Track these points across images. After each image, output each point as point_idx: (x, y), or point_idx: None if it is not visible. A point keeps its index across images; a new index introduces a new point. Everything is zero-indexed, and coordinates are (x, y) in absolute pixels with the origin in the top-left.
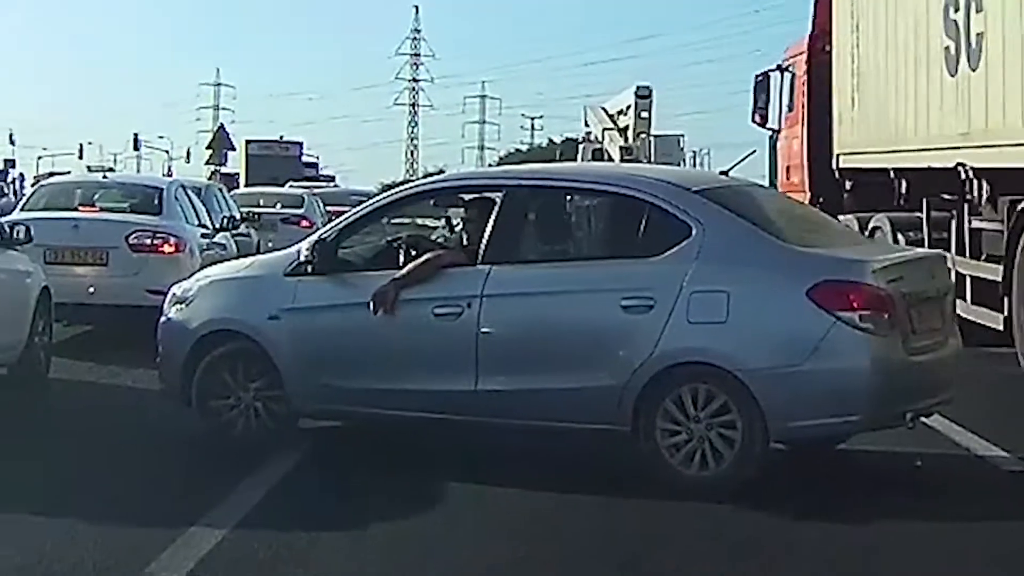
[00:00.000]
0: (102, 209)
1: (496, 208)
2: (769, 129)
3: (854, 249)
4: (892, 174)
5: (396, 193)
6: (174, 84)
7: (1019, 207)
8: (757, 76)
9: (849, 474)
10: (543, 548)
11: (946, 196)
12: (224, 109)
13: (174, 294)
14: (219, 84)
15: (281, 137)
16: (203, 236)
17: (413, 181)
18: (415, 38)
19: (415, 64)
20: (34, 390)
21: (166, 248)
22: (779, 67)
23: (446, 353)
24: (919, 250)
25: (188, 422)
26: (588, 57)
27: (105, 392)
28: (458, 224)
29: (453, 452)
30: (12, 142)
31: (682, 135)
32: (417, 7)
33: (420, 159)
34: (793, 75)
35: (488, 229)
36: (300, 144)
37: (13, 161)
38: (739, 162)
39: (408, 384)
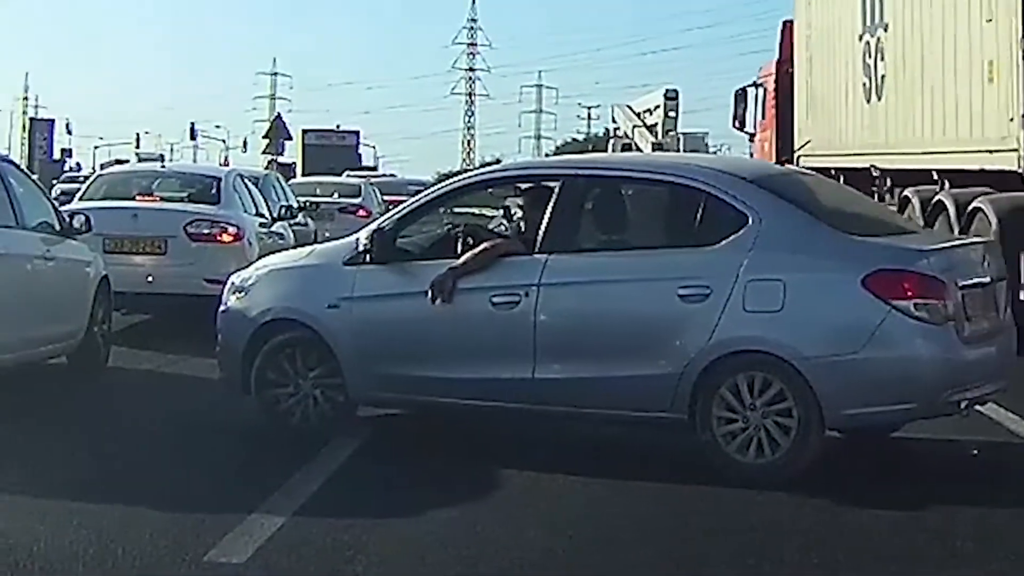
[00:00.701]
0: (160, 198)
1: (553, 197)
2: (747, 133)
3: (908, 237)
4: (833, 171)
5: (454, 182)
6: (231, 74)
7: (902, 194)
8: (737, 90)
9: (903, 462)
10: (598, 538)
11: (866, 189)
12: (281, 99)
13: (233, 283)
14: (276, 73)
15: (338, 126)
16: (261, 225)
17: (470, 170)
18: (472, 27)
19: (472, 53)
20: (93, 379)
21: (224, 237)
22: (754, 83)
23: (504, 341)
24: (972, 238)
25: (247, 410)
26: (645, 47)
27: (164, 381)
28: (515, 213)
29: (509, 440)
30: (69, 132)
31: (706, 132)
32: None
33: (476, 148)
34: (765, 90)
35: (545, 218)
36: (357, 133)
37: (70, 151)
38: (799, 149)
39: (466, 372)
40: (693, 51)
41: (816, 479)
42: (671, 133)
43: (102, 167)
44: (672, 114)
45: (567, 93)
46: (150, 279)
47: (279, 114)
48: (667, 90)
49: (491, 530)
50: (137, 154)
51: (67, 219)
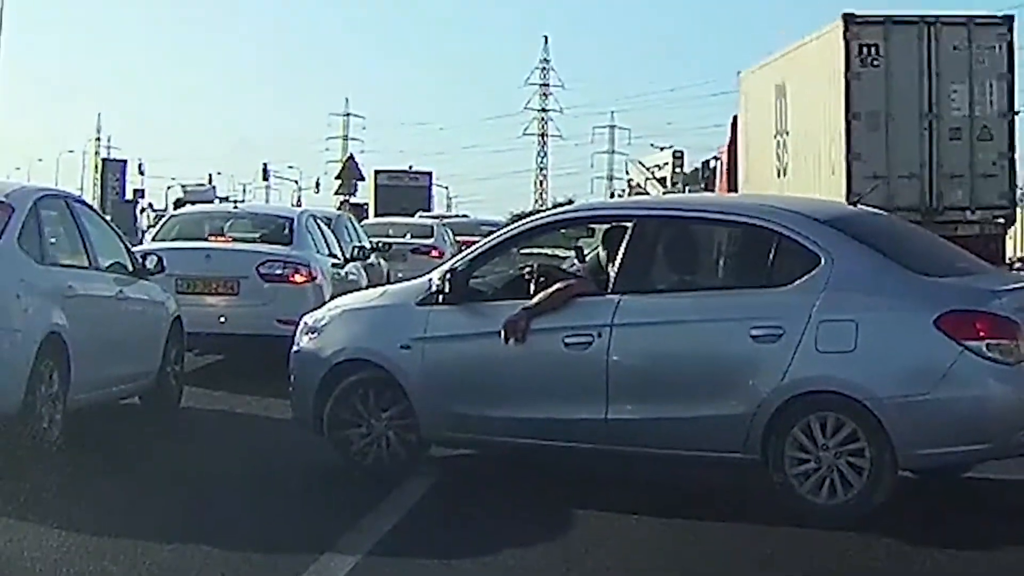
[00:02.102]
0: (233, 239)
1: (626, 238)
2: (710, 191)
3: (980, 278)
4: None
5: (526, 223)
6: (304, 114)
7: None
8: (703, 161)
9: (977, 502)
10: None
11: None
12: (353, 139)
13: (306, 323)
14: (348, 114)
15: (411, 167)
16: (333, 266)
17: (542, 211)
18: (544, 68)
19: (544, 94)
20: (166, 419)
21: (297, 278)
22: (715, 157)
23: (576, 382)
24: None
25: (320, 450)
26: (716, 87)
27: (236, 421)
28: (588, 254)
29: (580, 481)
30: (141, 172)
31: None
32: (547, 37)
33: (549, 189)
34: (720, 163)
35: (618, 259)
36: (430, 174)
37: (143, 191)
38: (869, 192)
39: (538, 413)
40: None
41: (888, 519)
42: (678, 185)
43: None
44: (678, 170)
45: (639, 134)
46: (222, 319)
47: (352, 155)
48: (675, 151)
49: (557, 570)
50: (183, 186)
51: (140, 259)
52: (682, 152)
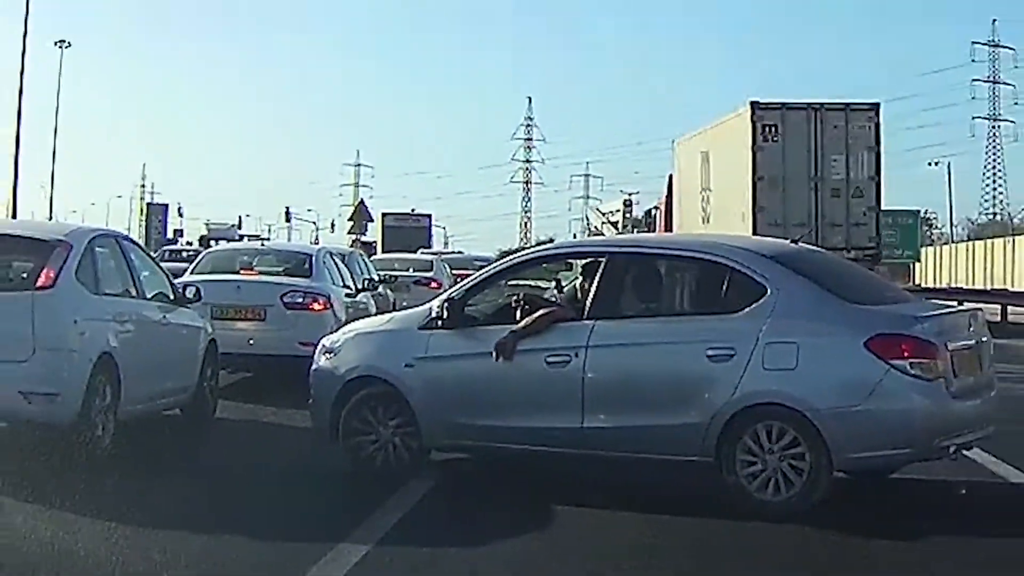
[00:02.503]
0: (260, 272)
1: (599, 271)
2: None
3: (904, 306)
4: None
5: (513, 259)
6: (321, 164)
7: None
8: (647, 209)
9: (901, 499)
10: (636, 565)
11: None
12: (364, 186)
13: (323, 345)
14: (359, 164)
15: (413, 210)
16: (347, 295)
17: (526, 248)
18: (528, 125)
19: (528, 147)
20: (203, 429)
21: (316, 306)
22: (655, 207)
23: (556, 395)
24: (958, 306)
25: (334, 455)
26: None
27: (263, 430)
28: (566, 285)
29: (559, 481)
30: (180, 214)
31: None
32: (530, 98)
33: (532, 229)
34: (659, 212)
35: (592, 289)
36: (429, 216)
37: (181, 231)
38: (805, 234)
39: (524, 422)
40: None
41: (824, 514)
42: (627, 227)
43: (200, 242)
44: (628, 215)
45: (611, 181)
46: (251, 342)
47: (362, 200)
48: (625, 200)
49: (544, 558)
50: (206, 224)
51: (181, 290)
52: (631, 201)
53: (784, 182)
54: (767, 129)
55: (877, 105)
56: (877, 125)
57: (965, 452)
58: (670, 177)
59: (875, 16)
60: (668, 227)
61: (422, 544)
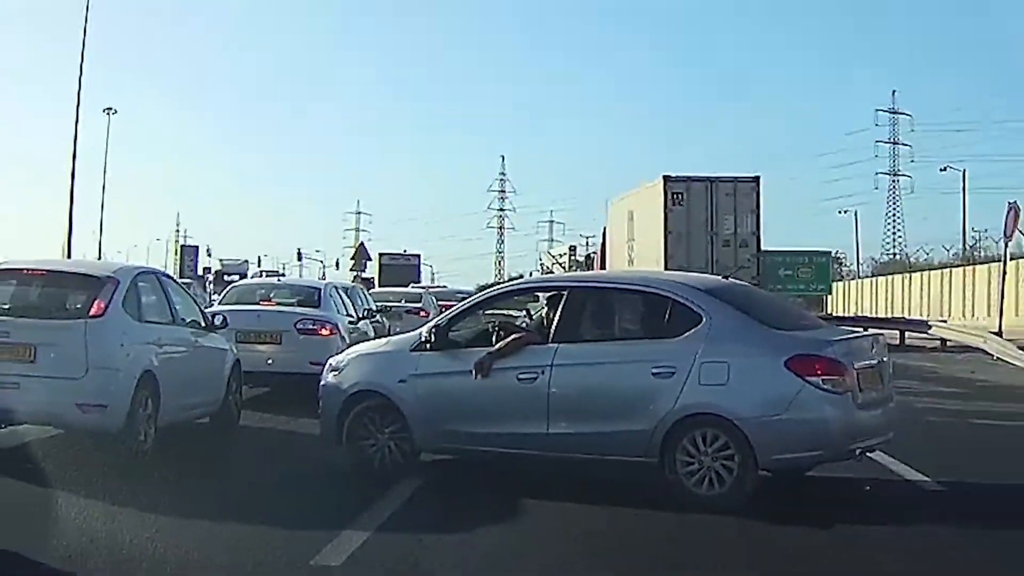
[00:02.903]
0: (277, 303)
1: (562, 302)
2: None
3: (817, 331)
4: None
5: (489, 292)
6: (327, 212)
7: None
8: (586, 254)
9: (815, 493)
10: (598, 546)
11: None
12: (363, 230)
13: (330, 364)
14: (359, 212)
15: (405, 251)
16: (349, 323)
17: (500, 284)
18: (502, 179)
19: (502, 197)
20: (229, 435)
21: (323, 331)
22: (593, 252)
23: (526, 406)
24: (863, 331)
25: (339, 457)
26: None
27: (279, 436)
28: (534, 314)
29: (528, 477)
30: (209, 254)
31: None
32: (503, 156)
33: (505, 267)
34: (596, 256)
35: (556, 317)
36: (419, 256)
37: (210, 268)
38: (734, 272)
39: (498, 429)
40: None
41: (751, 506)
42: (573, 267)
43: (215, 276)
44: (572, 258)
45: (572, 226)
46: (269, 362)
47: (362, 242)
48: (570, 246)
49: (520, 543)
50: (221, 261)
51: (210, 318)
52: (575, 247)
53: (688, 236)
54: (675, 196)
55: (757, 178)
56: (758, 193)
57: (869, 454)
58: (604, 229)
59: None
60: (602, 268)
61: (414, 532)
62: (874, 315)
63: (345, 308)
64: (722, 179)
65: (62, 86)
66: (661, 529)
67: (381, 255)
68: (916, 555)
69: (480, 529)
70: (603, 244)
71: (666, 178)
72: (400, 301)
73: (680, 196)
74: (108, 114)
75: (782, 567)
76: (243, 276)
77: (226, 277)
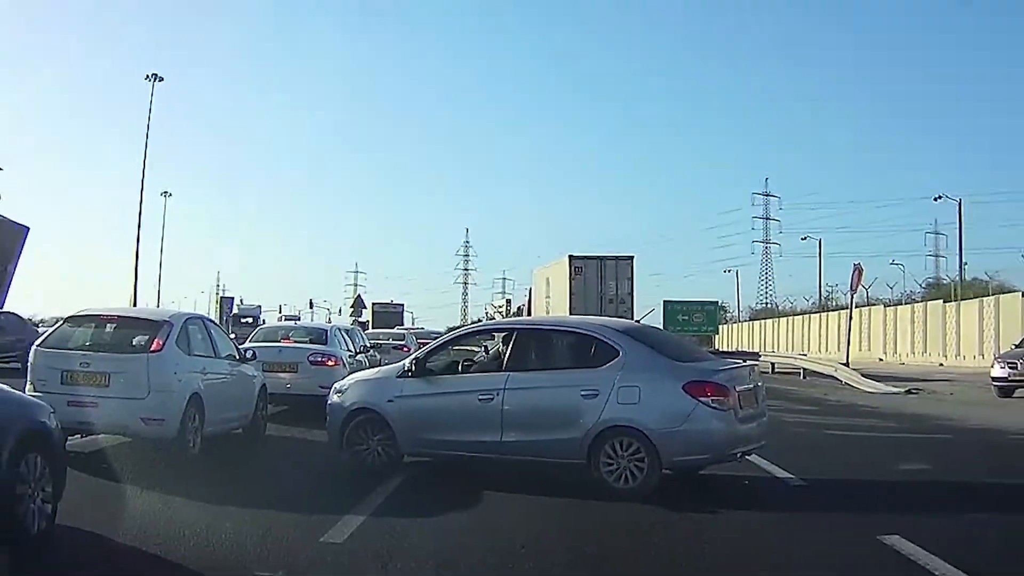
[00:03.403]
0: (294, 341)
1: (512, 340)
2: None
3: (707, 363)
4: None
5: (456, 332)
6: (331, 271)
7: None
8: (517, 307)
9: (705, 486)
10: (536, 528)
11: None
12: (360, 285)
13: (335, 388)
14: (356, 271)
15: (392, 300)
16: (350, 356)
17: (464, 326)
18: (467, 244)
19: (466, 259)
20: (257, 442)
21: (330, 363)
22: (521, 306)
23: (484, 420)
24: (743, 362)
25: (341, 458)
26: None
27: (295, 443)
28: (491, 349)
29: (489, 475)
30: (241, 302)
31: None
32: (468, 229)
33: (469, 313)
34: (524, 309)
35: (507, 352)
36: (403, 304)
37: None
38: (644, 316)
39: (464, 437)
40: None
41: (656, 495)
42: (508, 315)
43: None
44: (508, 309)
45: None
46: (288, 386)
47: (359, 294)
48: (506, 299)
49: (478, 520)
50: (238, 305)
51: (243, 352)
52: (510, 300)
53: (584, 295)
54: (576, 268)
55: (632, 257)
56: (631, 267)
57: (748, 457)
58: (529, 290)
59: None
60: (529, 316)
61: (400, 516)
62: (751, 350)
63: (346, 345)
64: (607, 257)
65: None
66: (586, 514)
67: (374, 304)
68: (782, 533)
69: (450, 513)
70: (529, 299)
71: (571, 257)
72: (388, 340)
73: (580, 268)
74: (164, 196)
75: (678, 540)
76: (255, 318)
77: (242, 319)
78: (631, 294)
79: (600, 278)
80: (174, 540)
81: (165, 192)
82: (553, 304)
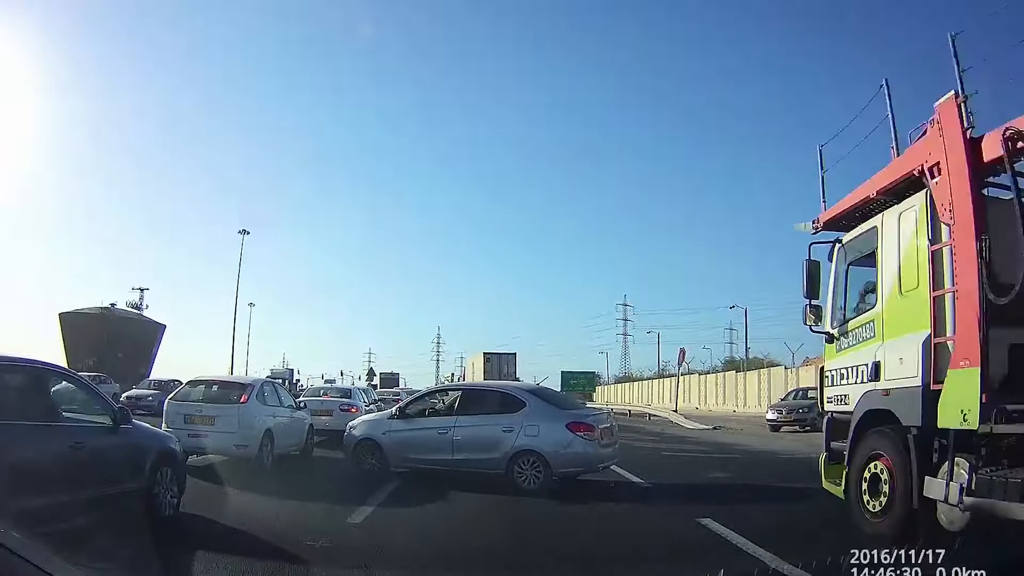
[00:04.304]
0: (330, 396)
1: (460, 396)
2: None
3: (583, 410)
4: None
5: (427, 390)
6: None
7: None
8: (460, 375)
9: (582, 488)
10: (474, 510)
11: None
12: (372, 361)
13: (350, 425)
14: (370, 352)
15: (391, 371)
16: (365, 406)
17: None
18: (438, 335)
19: (438, 345)
20: (308, 459)
21: (352, 410)
22: (463, 375)
23: (442, 446)
24: (605, 408)
25: (353, 470)
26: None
27: (330, 460)
28: (448, 401)
29: (447, 480)
30: (298, 372)
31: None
32: (439, 326)
33: (440, 377)
34: (463, 376)
35: (457, 402)
36: (398, 374)
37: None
38: (542, 381)
39: (430, 456)
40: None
41: (549, 496)
42: (456, 380)
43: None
44: (456, 376)
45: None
46: (326, 424)
47: (371, 368)
48: (453, 372)
49: (448, 507)
50: (271, 370)
51: (299, 403)
52: (454, 372)
53: (492, 372)
54: (488, 358)
55: (514, 353)
56: (515, 359)
57: (612, 468)
58: (464, 368)
59: (580, 287)
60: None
61: (399, 507)
62: (616, 404)
63: (363, 399)
64: (504, 353)
65: (227, 290)
66: (504, 504)
67: (380, 374)
68: (635, 518)
69: (428, 504)
70: (463, 373)
71: (485, 353)
72: (389, 396)
73: (489, 357)
74: (250, 306)
75: (566, 521)
76: (286, 380)
77: (274, 379)
78: (514, 372)
79: (500, 362)
80: (255, 520)
81: (251, 303)
82: (476, 376)
